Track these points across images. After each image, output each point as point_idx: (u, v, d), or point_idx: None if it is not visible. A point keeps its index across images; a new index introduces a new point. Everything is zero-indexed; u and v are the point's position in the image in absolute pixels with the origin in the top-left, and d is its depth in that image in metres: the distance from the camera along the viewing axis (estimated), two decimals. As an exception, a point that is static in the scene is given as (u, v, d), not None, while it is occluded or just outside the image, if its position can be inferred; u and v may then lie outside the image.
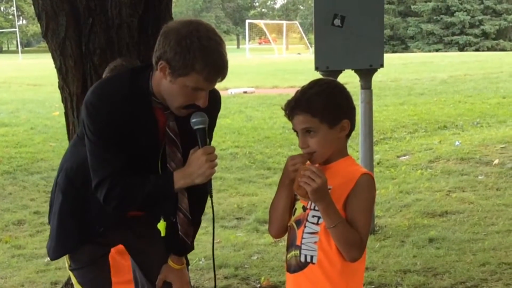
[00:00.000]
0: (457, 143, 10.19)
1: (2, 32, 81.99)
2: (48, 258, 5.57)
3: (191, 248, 3.24)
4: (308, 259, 2.60)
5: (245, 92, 18.51)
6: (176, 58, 2.57)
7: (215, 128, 3.06)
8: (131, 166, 2.78)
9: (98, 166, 2.78)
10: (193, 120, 2.73)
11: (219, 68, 2.63)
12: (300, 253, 2.63)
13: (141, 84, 2.77)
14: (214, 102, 2.94)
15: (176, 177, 2.77)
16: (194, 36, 2.57)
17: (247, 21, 59.05)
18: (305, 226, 2.62)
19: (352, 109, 2.66)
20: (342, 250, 2.52)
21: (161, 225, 2.98)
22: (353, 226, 2.51)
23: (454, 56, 35.88)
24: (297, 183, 2.52)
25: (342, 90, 2.65)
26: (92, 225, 3.02)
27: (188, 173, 2.75)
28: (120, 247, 3.34)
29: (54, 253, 3.12)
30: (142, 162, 2.82)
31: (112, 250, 3.36)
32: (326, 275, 2.57)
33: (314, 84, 2.64)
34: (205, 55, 2.57)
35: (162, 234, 2.99)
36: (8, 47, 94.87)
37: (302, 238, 2.62)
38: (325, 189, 2.49)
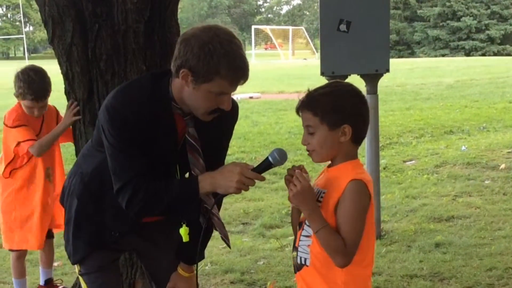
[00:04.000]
0: (463, 148, 10.18)
1: (9, 38, 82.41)
2: (57, 264, 5.62)
3: (202, 257, 3.25)
4: (303, 261, 2.63)
5: (251, 97, 18.55)
6: (200, 65, 2.56)
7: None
8: (150, 171, 2.77)
9: (120, 170, 2.76)
10: (274, 155, 2.63)
11: (243, 71, 2.63)
12: (297, 255, 2.66)
13: (162, 90, 2.76)
14: (233, 112, 2.94)
15: (203, 181, 2.73)
16: (216, 41, 2.55)
17: (253, 26, 59.22)
18: (303, 229, 2.64)
19: (359, 116, 2.61)
20: (328, 255, 2.51)
21: (183, 231, 2.97)
22: (340, 232, 2.49)
23: (460, 61, 35.84)
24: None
25: (353, 96, 2.61)
26: (108, 230, 3.02)
27: (214, 181, 2.71)
28: None
29: (74, 258, 3.13)
30: (160, 167, 2.81)
31: None
32: (322, 277, 2.58)
33: (328, 84, 2.66)
34: (228, 60, 2.56)
35: (184, 239, 2.97)
36: (15, 54, 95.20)
37: (300, 240, 2.65)
38: (307, 194, 2.50)
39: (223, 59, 2.55)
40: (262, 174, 2.68)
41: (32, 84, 4.47)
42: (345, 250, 2.48)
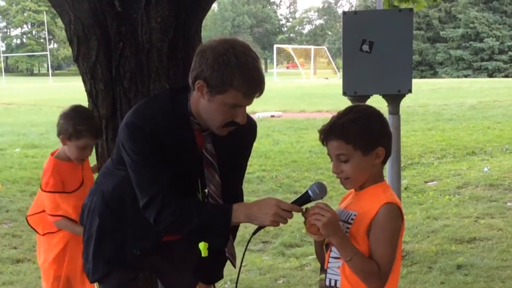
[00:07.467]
0: (485, 169, 10.11)
1: (33, 55, 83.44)
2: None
3: (221, 276, 3.25)
4: (332, 283, 2.61)
5: (272, 116, 18.57)
6: (214, 75, 2.55)
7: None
8: (174, 186, 2.74)
9: (146, 185, 2.73)
10: (314, 189, 2.61)
11: (257, 83, 2.61)
12: (326, 277, 2.64)
13: (181, 105, 2.75)
14: (250, 131, 2.95)
15: (238, 211, 2.70)
16: (231, 53, 2.55)
17: (275, 45, 59.29)
18: (331, 251, 2.62)
19: (388, 136, 2.63)
20: (361, 280, 2.50)
21: (203, 245, 2.94)
22: (373, 255, 2.49)
23: (483, 82, 35.67)
24: (308, 223, 2.53)
25: (378, 117, 2.60)
26: (129, 248, 3.02)
27: (250, 212, 2.68)
28: None
29: (93, 276, 3.13)
30: (182, 181, 2.79)
31: None
32: None
33: (350, 110, 2.62)
34: (242, 71, 2.55)
35: (203, 254, 2.94)
36: (39, 70, 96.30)
37: (329, 262, 2.63)
38: (336, 223, 2.49)
39: (237, 71, 2.54)
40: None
41: (92, 120, 4.08)
42: (380, 274, 2.48)
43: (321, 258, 2.74)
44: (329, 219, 2.45)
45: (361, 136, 2.52)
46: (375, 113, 2.62)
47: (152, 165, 2.72)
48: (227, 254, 2.99)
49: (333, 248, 2.60)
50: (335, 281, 2.60)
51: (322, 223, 2.45)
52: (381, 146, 2.56)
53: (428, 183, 9.65)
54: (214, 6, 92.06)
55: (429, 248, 6.39)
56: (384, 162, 2.62)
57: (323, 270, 2.68)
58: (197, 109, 2.72)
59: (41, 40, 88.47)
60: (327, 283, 2.63)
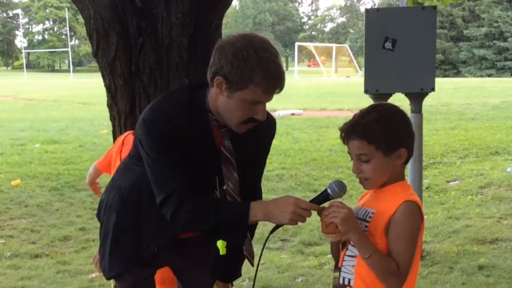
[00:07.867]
0: (508, 169, 9.99)
1: (55, 51, 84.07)
2: (93, 275, 5.63)
3: (239, 274, 3.22)
4: (346, 282, 2.56)
5: (293, 114, 18.53)
6: (233, 71, 2.50)
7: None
8: (191, 182, 2.69)
9: (163, 182, 2.68)
10: (333, 187, 2.57)
11: (277, 79, 2.55)
12: (339, 275, 2.59)
13: (199, 101, 2.70)
14: (270, 128, 2.90)
15: (255, 209, 2.65)
16: (250, 48, 2.49)
17: (297, 43, 59.21)
18: (347, 249, 2.58)
19: (411, 137, 2.57)
20: (379, 279, 2.45)
21: (221, 243, 2.91)
22: (392, 254, 2.44)
23: (507, 81, 35.36)
24: (324, 223, 2.49)
25: (401, 117, 2.54)
26: (146, 245, 2.97)
27: (268, 211, 2.63)
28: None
29: (110, 273, 3.08)
30: (200, 179, 2.74)
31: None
32: None
33: (373, 108, 2.56)
34: (262, 67, 2.49)
35: (221, 252, 2.92)
36: (60, 67, 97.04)
37: (343, 260, 2.59)
38: (353, 219, 2.45)
39: (257, 66, 2.49)
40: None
41: None
42: (399, 272, 2.43)
43: (336, 258, 2.70)
44: (346, 214, 2.41)
45: (383, 137, 2.46)
46: (398, 113, 2.56)
47: (169, 162, 2.67)
48: (244, 252, 2.95)
49: (350, 247, 2.56)
50: (349, 279, 2.56)
51: (340, 219, 2.41)
52: (403, 147, 2.51)
53: (450, 183, 9.56)
54: (236, 3, 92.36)
55: (450, 249, 6.31)
56: (405, 162, 2.57)
57: (337, 268, 2.64)
58: (216, 105, 2.66)
59: (63, 37, 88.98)
60: (341, 282, 2.59)
